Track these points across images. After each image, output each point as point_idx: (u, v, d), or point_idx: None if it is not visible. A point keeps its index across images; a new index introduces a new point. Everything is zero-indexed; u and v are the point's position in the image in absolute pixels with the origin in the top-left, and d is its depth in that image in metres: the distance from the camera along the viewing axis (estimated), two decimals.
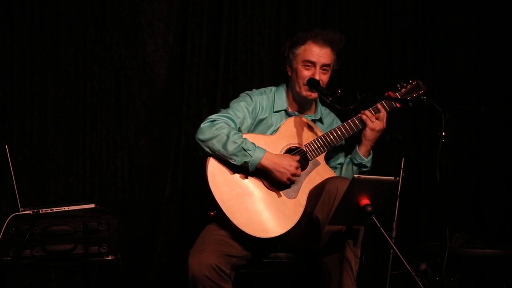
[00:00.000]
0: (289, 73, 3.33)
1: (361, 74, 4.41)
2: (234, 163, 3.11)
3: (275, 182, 3.16)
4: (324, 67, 3.26)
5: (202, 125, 3.16)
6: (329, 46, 3.27)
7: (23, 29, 3.91)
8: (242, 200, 3.11)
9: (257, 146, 3.13)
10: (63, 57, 3.97)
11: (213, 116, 3.19)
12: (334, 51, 3.29)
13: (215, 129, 3.12)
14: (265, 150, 3.14)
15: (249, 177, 3.16)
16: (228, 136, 3.10)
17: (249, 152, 3.10)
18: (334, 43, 3.29)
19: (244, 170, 3.16)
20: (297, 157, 3.20)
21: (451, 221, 3.60)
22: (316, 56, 3.24)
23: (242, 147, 3.10)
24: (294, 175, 3.14)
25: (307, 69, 3.25)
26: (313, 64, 3.24)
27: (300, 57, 3.27)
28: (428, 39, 4.45)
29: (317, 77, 3.22)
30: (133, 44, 4.08)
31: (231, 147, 3.09)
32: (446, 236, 3.01)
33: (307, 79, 3.24)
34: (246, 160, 3.10)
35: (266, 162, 3.12)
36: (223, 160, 3.14)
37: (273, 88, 3.40)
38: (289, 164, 3.14)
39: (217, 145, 3.11)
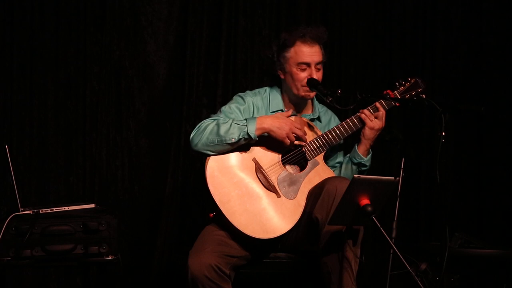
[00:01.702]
0: (282, 76, 3.31)
1: (361, 74, 4.41)
2: (234, 141, 3.10)
3: (278, 147, 3.16)
4: (318, 65, 3.25)
5: (191, 135, 3.16)
6: (317, 43, 3.26)
7: (23, 29, 3.91)
8: (241, 201, 3.11)
9: (247, 118, 3.16)
10: (63, 57, 3.98)
11: (199, 123, 3.19)
12: (322, 46, 3.29)
13: (203, 128, 3.13)
14: (255, 117, 3.16)
15: (248, 178, 3.15)
16: (217, 125, 3.11)
17: (242, 123, 3.10)
18: (320, 39, 3.28)
19: (244, 170, 3.15)
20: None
21: (451, 221, 3.60)
22: (309, 56, 3.23)
23: (235, 123, 3.10)
24: (292, 130, 3.12)
25: (302, 71, 3.24)
26: (308, 64, 3.24)
27: (292, 60, 3.25)
28: (428, 39, 4.45)
29: (314, 77, 3.22)
30: (133, 44, 4.09)
31: (224, 129, 3.09)
32: (446, 236, 3.01)
33: (305, 80, 3.23)
34: (244, 131, 3.09)
35: (263, 124, 3.12)
36: (222, 162, 3.14)
37: (267, 89, 3.39)
38: (285, 119, 3.14)
39: (211, 137, 3.10)
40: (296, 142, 3.21)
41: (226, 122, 3.11)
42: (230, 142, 3.10)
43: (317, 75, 3.24)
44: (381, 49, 4.43)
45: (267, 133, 3.13)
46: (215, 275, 2.94)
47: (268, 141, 3.19)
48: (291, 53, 3.25)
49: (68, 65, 3.99)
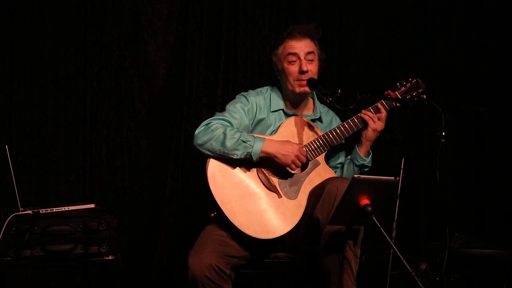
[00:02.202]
0: (279, 76, 3.32)
1: (361, 74, 4.41)
2: (237, 157, 3.10)
3: (280, 170, 3.15)
4: (309, 56, 3.24)
5: (197, 130, 3.15)
6: (306, 36, 3.26)
7: (23, 29, 3.91)
8: (242, 202, 3.10)
9: (256, 136, 3.14)
10: (63, 57, 3.98)
11: (206, 120, 3.18)
12: (314, 41, 3.28)
13: (211, 130, 3.12)
14: (264, 138, 3.14)
15: (249, 178, 3.16)
16: (225, 134, 3.10)
17: (249, 143, 3.09)
18: (311, 33, 3.27)
19: (245, 170, 3.15)
20: (298, 144, 3.20)
21: (451, 221, 3.59)
22: (297, 48, 3.23)
23: (241, 140, 3.09)
24: (298, 158, 3.13)
25: (292, 65, 3.23)
26: (296, 56, 3.23)
27: (282, 55, 3.25)
28: (428, 39, 4.45)
29: (304, 68, 3.20)
30: (133, 44, 4.09)
31: (230, 143, 3.09)
32: (446, 236, 3.01)
33: (295, 74, 3.22)
34: (248, 151, 3.09)
35: (268, 148, 3.11)
36: (223, 162, 3.14)
37: (269, 88, 3.38)
38: (292, 147, 3.13)
39: (215, 145, 3.10)
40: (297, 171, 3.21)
41: (234, 136, 3.09)
42: (231, 157, 3.11)
43: (308, 67, 3.22)
44: (381, 49, 4.43)
45: (272, 158, 3.13)
46: (215, 275, 2.94)
47: None
48: (280, 49, 3.27)
49: (68, 65, 3.99)
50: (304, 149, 3.20)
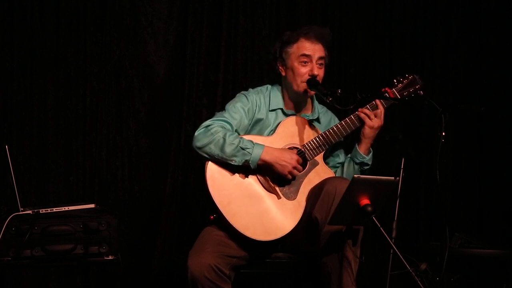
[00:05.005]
0: (283, 73, 3.31)
1: (361, 74, 4.41)
2: (235, 164, 3.10)
3: (277, 177, 3.15)
4: (320, 61, 3.25)
5: (197, 132, 3.14)
6: (320, 41, 3.26)
7: (23, 29, 3.91)
8: (241, 204, 3.10)
9: (255, 142, 3.13)
10: (63, 57, 3.98)
11: (207, 122, 3.17)
12: (325, 46, 3.29)
13: (210, 134, 3.11)
14: (264, 145, 3.13)
15: (248, 180, 3.15)
16: (224, 139, 3.09)
17: (247, 150, 3.09)
18: (324, 38, 3.28)
19: (243, 172, 3.15)
20: (295, 151, 3.20)
21: (451, 221, 3.60)
22: (312, 50, 3.23)
23: (240, 147, 3.09)
24: (295, 168, 3.14)
25: (304, 66, 3.23)
26: (309, 58, 3.23)
27: (294, 54, 3.25)
28: (428, 39, 4.45)
29: (315, 72, 3.21)
30: (133, 44, 4.09)
31: (229, 149, 3.09)
32: (446, 236, 3.01)
33: (305, 76, 3.23)
34: (246, 159, 3.09)
35: (267, 156, 3.11)
36: (222, 164, 3.13)
37: (269, 87, 3.38)
38: (290, 157, 3.14)
39: (214, 149, 3.09)
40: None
41: (233, 142, 3.08)
42: (229, 163, 3.10)
43: (318, 72, 3.23)
44: (381, 49, 4.43)
45: (269, 165, 3.12)
46: (215, 275, 2.94)
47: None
48: (293, 48, 3.26)
49: (68, 65, 3.99)
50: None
